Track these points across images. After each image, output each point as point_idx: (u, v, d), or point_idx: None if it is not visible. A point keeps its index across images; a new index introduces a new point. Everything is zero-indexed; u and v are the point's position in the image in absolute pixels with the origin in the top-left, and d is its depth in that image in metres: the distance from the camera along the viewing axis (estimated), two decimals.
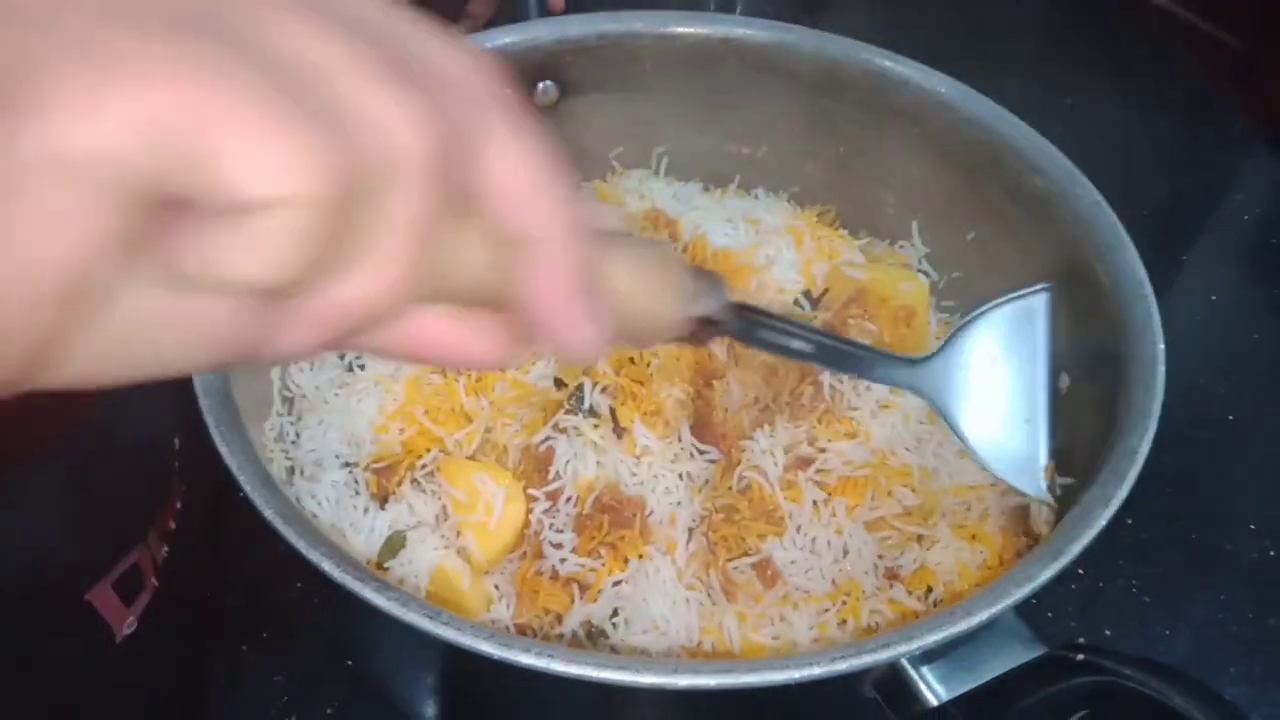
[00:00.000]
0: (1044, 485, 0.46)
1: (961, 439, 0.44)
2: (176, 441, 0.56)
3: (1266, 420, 0.70)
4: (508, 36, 0.61)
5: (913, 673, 0.40)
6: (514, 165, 0.23)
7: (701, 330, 0.31)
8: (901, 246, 0.64)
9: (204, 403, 0.43)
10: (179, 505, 0.54)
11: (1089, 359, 0.52)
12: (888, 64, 0.60)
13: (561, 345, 0.24)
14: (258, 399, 0.51)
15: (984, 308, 0.46)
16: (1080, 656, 0.40)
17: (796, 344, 0.37)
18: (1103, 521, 0.41)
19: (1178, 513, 0.65)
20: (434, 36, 0.23)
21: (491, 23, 0.68)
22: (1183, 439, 0.67)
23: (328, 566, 0.39)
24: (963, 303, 0.61)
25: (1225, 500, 0.66)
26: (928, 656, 0.40)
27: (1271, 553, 0.63)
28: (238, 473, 0.41)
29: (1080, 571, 0.61)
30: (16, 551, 0.48)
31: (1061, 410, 0.53)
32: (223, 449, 0.41)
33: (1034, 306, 0.46)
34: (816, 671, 0.37)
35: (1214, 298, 0.78)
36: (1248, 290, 0.80)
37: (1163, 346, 0.46)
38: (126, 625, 0.51)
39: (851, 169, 0.65)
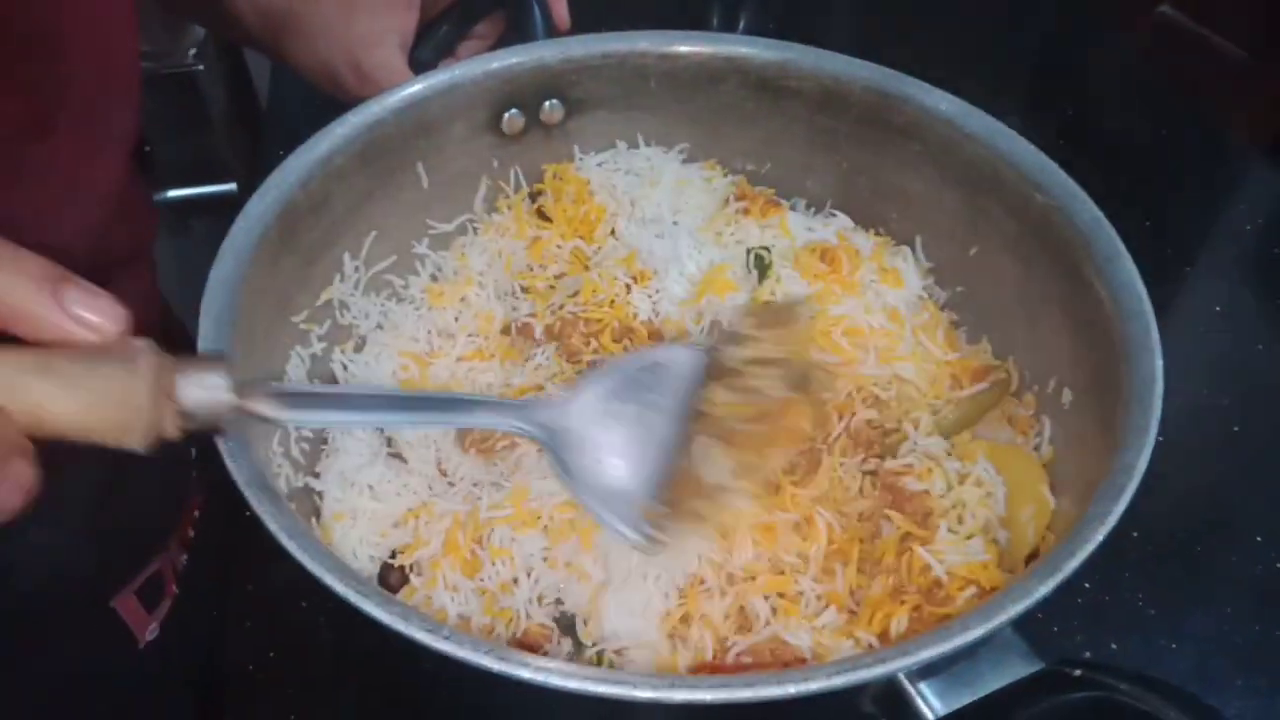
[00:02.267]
0: (639, 530, 0.44)
1: (566, 482, 0.43)
2: (193, 451, 0.57)
3: (1270, 432, 0.70)
4: (514, 56, 0.62)
5: (910, 688, 0.40)
6: None
7: (199, 423, 0.31)
8: (905, 259, 0.64)
9: None
10: (198, 514, 0.55)
11: (1089, 374, 0.52)
12: (888, 81, 0.60)
13: None
14: None
15: (611, 361, 0.46)
16: (1077, 672, 0.41)
17: (347, 416, 0.37)
18: (1099, 538, 0.41)
19: (1182, 525, 0.65)
20: None
21: (498, 43, 0.68)
22: (1186, 450, 0.67)
23: (330, 581, 0.39)
24: (966, 317, 0.62)
25: (1229, 513, 0.66)
26: (926, 671, 0.40)
27: (1277, 565, 0.63)
28: (245, 489, 0.42)
29: (1085, 585, 0.62)
30: (45, 561, 0.50)
31: (1062, 425, 0.54)
32: (231, 466, 0.42)
33: (664, 360, 0.45)
34: (814, 687, 0.37)
35: (1217, 308, 0.78)
36: (1250, 301, 0.80)
37: (1161, 363, 0.46)
38: (149, 631, 0.52)
39: (854, 184, 0.65)
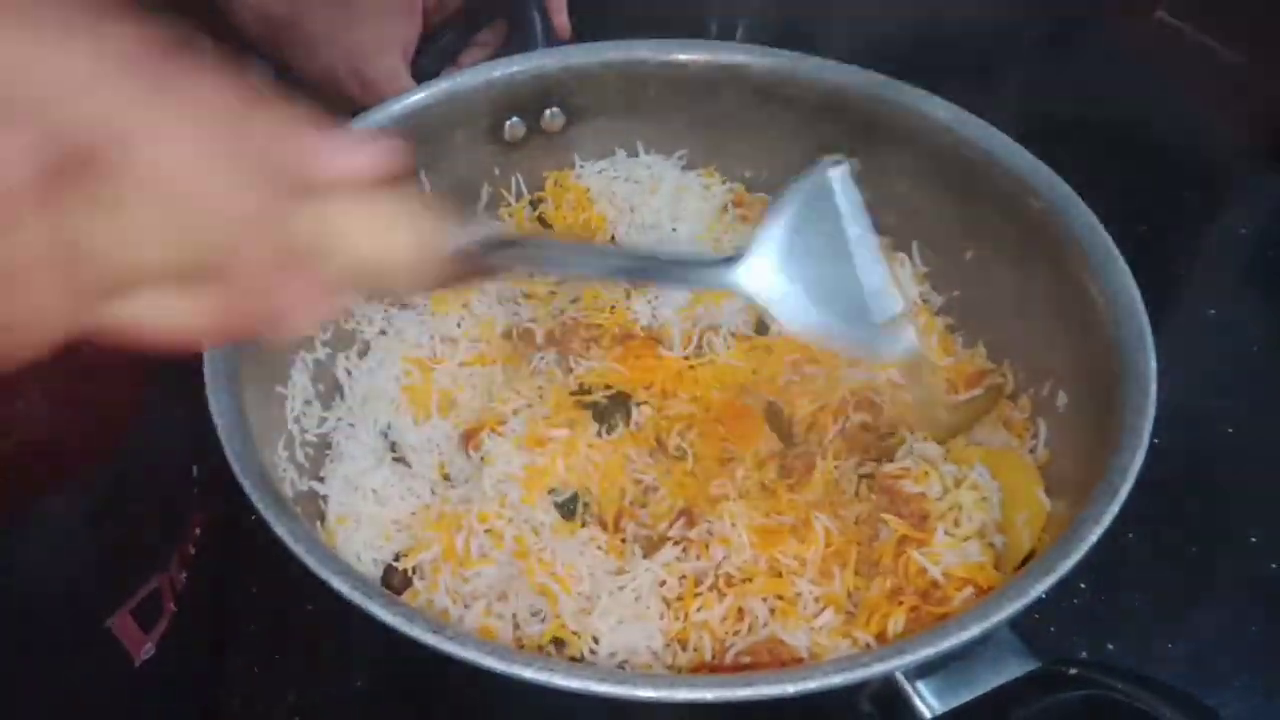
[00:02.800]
0: (905, 341, 0.42)
1: (797, 331, 0.41)
2: (195, 469, 0.57)
3: (1265, 433, 0.70)
4: (516, 65, 0.63)
5: (908, 686, 0.41)
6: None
7: (467, 267, 0.32)
8: (902, 264, 0.65)
9: (219, 423, 0.45)
10: (198, 532, 0.56)
11: (1085, 377, 0.53)
12: (884, 88, 0.61)
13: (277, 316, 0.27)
14: (272, 421, 0.53)
15: (776, 197, 0.42)
16: (1073, 670, 0.41)
17: (584, 264, 0.37)
18: (1093, 539, 0.42)
19: (1178, 526, 0.65)
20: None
21: (500, 51, 0.69)
22: (1182, 452, 0.68)
23: (337, 583, 0.40)
24: (963, 320, 0.62)
25: (1225, 513, 0.66)
26: (923, 670, 0.41)
27: (1272, 565, 0.63)
28: (251, 493, 0.42)
29: (1082, 585, 0.62)
30: (41, 580, 0.50)
31: (1058, 428, 0.54)
32: (236, 470, 0.43)
33: (827, 182, 0.43)
34: (813, 685, 0.38)
35: (1212, 311, 0.79)
36: (1246, 304, 0.80)
37: (1155, 366, 0.47)
38: (144, 651, 0.52)
39: None
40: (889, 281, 0.42)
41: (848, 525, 0.50)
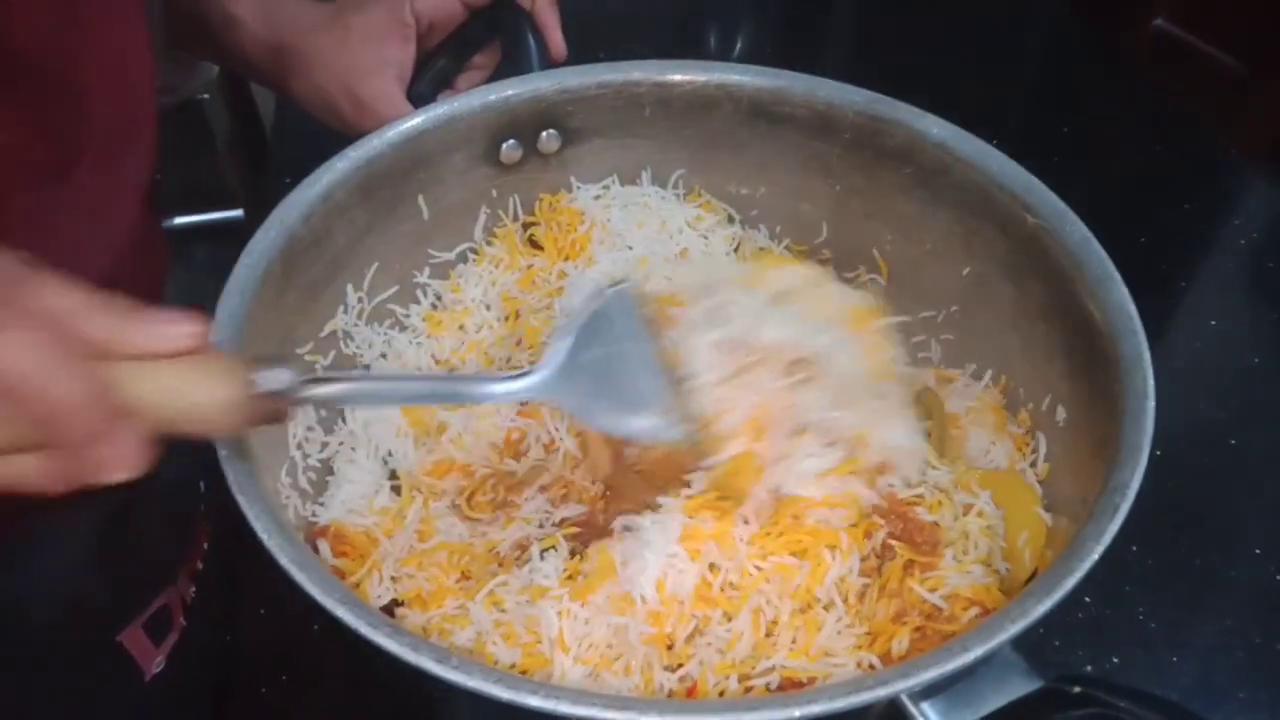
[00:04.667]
0: (678, 431, 0.48)
1: (602, 428, 0.49)
2: (202, 485, 0.57)
3: (1268, 444, 0.70)
4: (511, 88, 0.63)
5: (912, 708, 0.41)
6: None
7: (274, 405, 0.39)
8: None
9: (221, 452, 0.45)
10: (206, 546, 0.56)
11: (1084, 392, 0.53)
12: (878, 106, 0.61)
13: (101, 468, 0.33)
14: (274, 446, 0.53)
15: (563, 322, 0.51)
16: (1076, 689, 0.41)
17: (390, 394, 0.45)
18: (1095, 556, 0.42)
19: (1182, 539, 0.65)
20: None
21: (495, 74, 0.70)
22: (1185, 465, 0.68)
23: (341, 612, 0.40)
24: (961, 336, 0.63)
25: (1229, 525, 0.66)
26: (927, 692, 0.41)
27: (1277, 577, 0.63)
28: (254, 521, 0.42)
29: (1086, 600, 0.62)
30: (54, 596, 0.50)
31: (1057, 443, 0.55)
32: (240, 498, 0.43)
33: (607, 306, 0.48)
34: (817, 709, 0.38)
35: (1213, 322, 0.79)
36: (1246, 314, 0.80)
37: (1153, 382, 0.47)
38: (155, 664, 0.52)
39: (847, 207, 0.66)
40: (665, 386, 0.49)
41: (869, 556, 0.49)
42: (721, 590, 0.47)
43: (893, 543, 0.48)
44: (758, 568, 0.47)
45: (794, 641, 0.46)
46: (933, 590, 0.47)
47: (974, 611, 0.47)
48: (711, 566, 0.47)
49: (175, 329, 0.35)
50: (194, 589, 0.54)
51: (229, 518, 0.49)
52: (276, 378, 0.39)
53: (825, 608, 0.47)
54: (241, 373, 0.38)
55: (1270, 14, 1.44)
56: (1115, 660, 0.60)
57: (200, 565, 0.55)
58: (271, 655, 0.58)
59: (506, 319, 0.62)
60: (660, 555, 0.47)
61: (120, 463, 0.34)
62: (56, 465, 0.34)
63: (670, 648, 0.46)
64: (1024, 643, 0.42)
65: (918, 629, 0.46)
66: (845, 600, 0.48)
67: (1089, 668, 0.59)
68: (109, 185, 0.47)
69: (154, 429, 0.36)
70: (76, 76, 0.43)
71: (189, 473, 0.54)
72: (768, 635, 0.46)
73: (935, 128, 0.60)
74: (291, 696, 0.57)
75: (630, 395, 0.48)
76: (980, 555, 0.49)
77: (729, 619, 0.46)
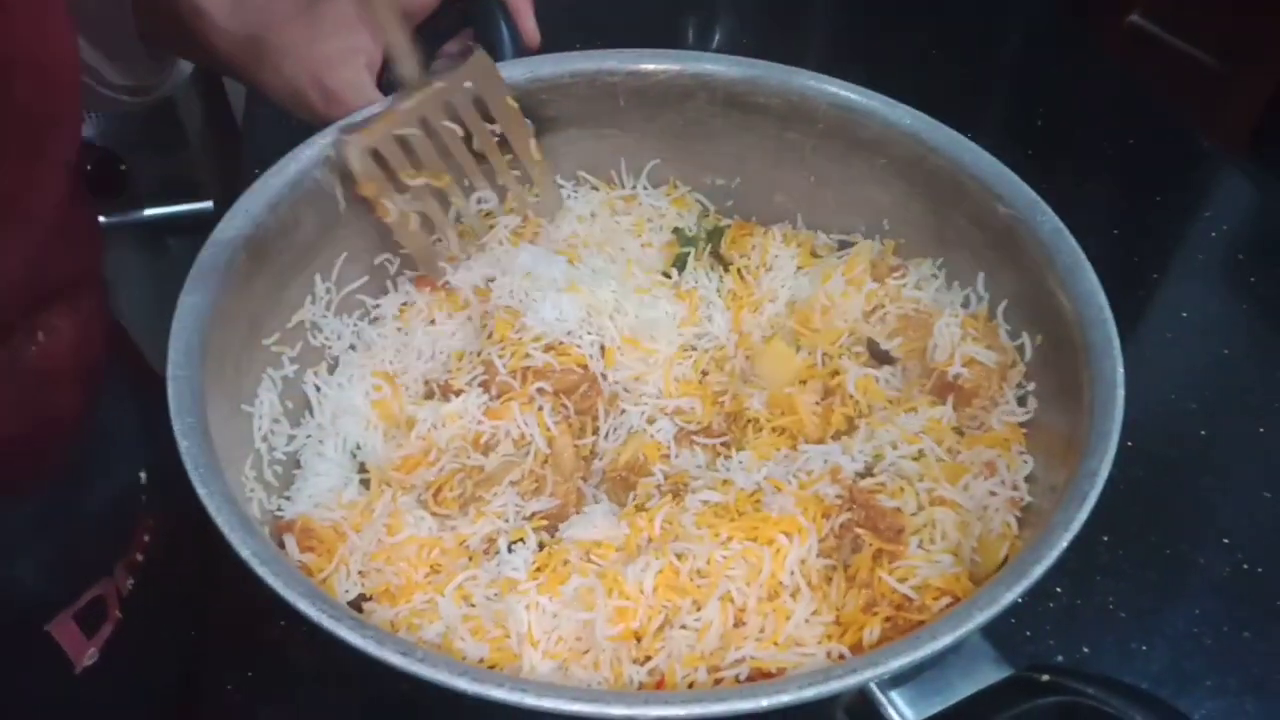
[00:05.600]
0: None
1: None
2: (143, 475, 0.56)
3: (1237, 435, 0.71)
4: None
5: (881, 697, 0.41)
6: None
7: None
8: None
9: (182, 444, 0.44)
10: (147, 539, 0.55)
11: (1054, 382, 0.53)
12: (853, 97, 0.61)
13: None
14: (239, 439, 0.52)
15: None
16: (1045, 677, 0.41)
17: None
18: (1064, 544, 0.42)
19: (1152, 529, 0.66)
20: None
21: None
22: (1155, 455, 0.68)
23: (304, 606, 0.39)
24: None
25: (1198, 515, 0.67)
26: (896, 680, 0.41)
27: (1244, 566, 0.64)
28: (216, 515, 0.42)
29: (1057, 590, 0.62)
30: None
31: (1028, 432, 0.55)
32: (201, 491, 0.42)
33: None
34: (786, 699, 0.38)
35: (1184, 314, 0.79)
36: (1217, 306, 0.81)
37: (1123, 371, 0.47)
38: (87, 657, 0.51)
39: (821, 197, 0.66)
40: None
41: (825, 542, 0.49)
42: (690, 578, 0.47)
43: (860, 531, 0.48)
44: (723, 555, 0.47)
45: (762, 631, 0.46)
46: (903, 580, 0.47)
47: (945, 601, 0.47)
48: (680, 555, 0.47)
49: None
50: (132, 582, 0.53)
51: (177, 512, 0.48)
52: None
53: (793, 595, 0.47)
54: None
55: (1243, 10, 1.45)
56: (1086, 649, 0.60)
57: (140, 557, 0.54)
58: (238, 652, 0.58)
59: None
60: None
61: None
62: None
63: (639, 640, 0.46)
64: (995, 633, 0.42)
65: (888, 619, 0.46)
66: (810, 583, 0.47)
67: (1060, 657, 0.59)
68: (33, 172, 0.46)
69: None
70: (3, 63, 0.42)
71: (128, 463, 0.53)
72: (737, 625, 0.46)
73: (908, 118, 0.60)
74: (259, 694, 0.56)
75: None
76: (949, 545, 0.49)
77: (698, 608, 0.46)
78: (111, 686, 0.52)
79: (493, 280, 0.60)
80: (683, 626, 0.46)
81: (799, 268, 0.64)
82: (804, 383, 0.58)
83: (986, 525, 0.50)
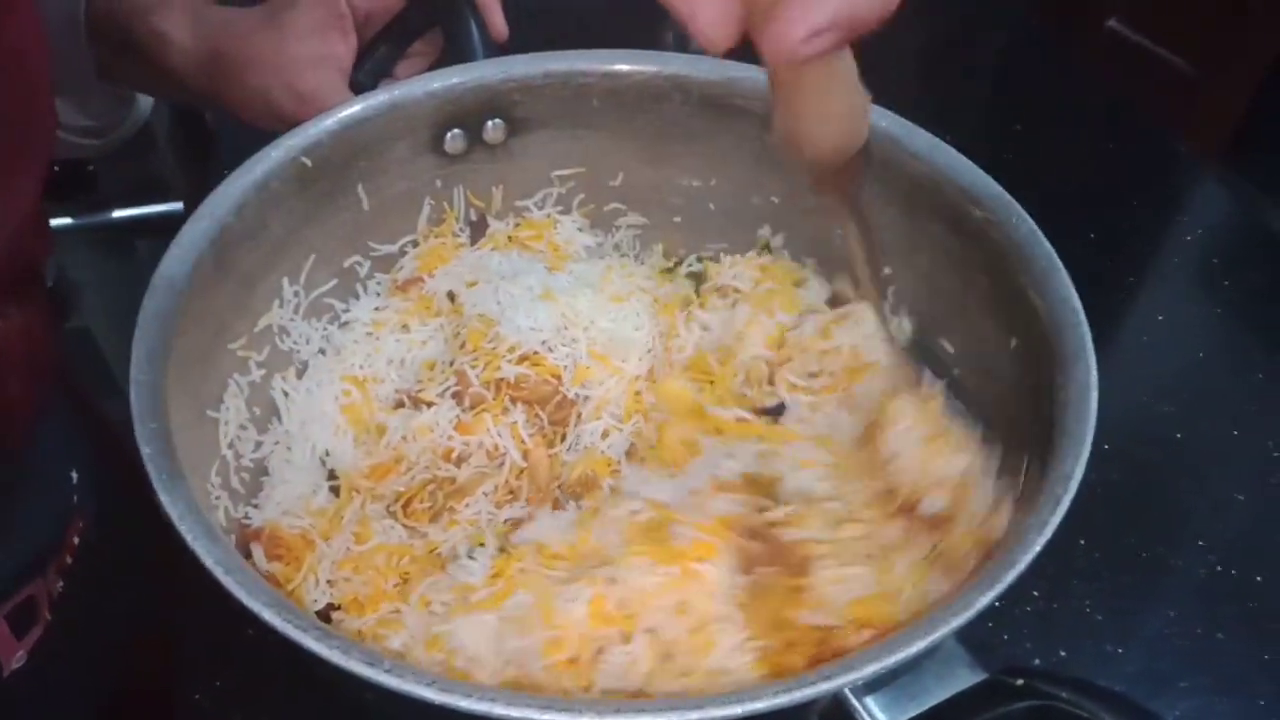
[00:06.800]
0: None
1: None
2: (74, 475, 0.55)
3: (1212, 438, 0.71)
4: (455, 76, 0.62)
5: (856, 703, 0.40)
6: None
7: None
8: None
9: (145, 450, 0.43)
10: (77, 541, 0.54)
11: (1028, 386, 0.53)
12: None
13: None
14: (204, 445, 0.51)
15: None
16: (1019, 681, 0.41)
17: None
18: (1037, 547, 0.41)
19: (1128, 531, 0.66)
20: None
21: (437, 62, 0.68)
22: (1131, 458, 0.69)
23: (269, 615, 0.39)
24: (912, 332, 0.62)
25: (1173, 518, 0.67)
26: (871, 686, 0.40)
27: (1218, 568, 0.64)
28: (179, 522, 0.41)
29: (1034, 593, 0.62)
30: None
31: (1006, 437, 0.54)
32: (163, 498, 0.41)
33: None
34: (760, 706, 0.37)
35: (1160, 317, 0.80)
36: (1193, 309, 0.82)
37: (1096, 375, 0.47)
38: (16, 659, 0.50)
39: (798, 201, 0.66)
40: None
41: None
42: (617, 608, 0.45)
43: (763, 570, 0.46)
44: (652, 582, 0.45)
45: (691, 667, 0.44)
46: (815, 610, 0.45)
47: (866, 634, 0.44)
48: (611, 580, 0.45)
49: None
50: (62, 583, 0.51)
51: (110, 513, 0.47)
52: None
53: (719, 622, 0.44)
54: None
55: (1220, 17, 1.47)
56: (1063, 653, 0.60)
57: (69, 559, 0.52)
58: (207, 661, 0.57)
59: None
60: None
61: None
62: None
63: (575, 662, 0.44)
64: (972, 638, 0.42)
65: (812, 656, 0.44)
66: (739, 603, 0.45)
67: (1037, 660, 0.59)
68: (8, 174, 0.45)
69: None
70: None
71: (58, 461, 0.52)
72: (667, 659, 0.44)
73: (883, 120, 0.60)
74: (229, 702, 0.55)
75: None
76: (857, 554, 0.46)
77: (626, 639, 0.44)
78: (44, 691, 0.51)
79: (470, 285, 0.60)
80: (611, 659, 0.44)
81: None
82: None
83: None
